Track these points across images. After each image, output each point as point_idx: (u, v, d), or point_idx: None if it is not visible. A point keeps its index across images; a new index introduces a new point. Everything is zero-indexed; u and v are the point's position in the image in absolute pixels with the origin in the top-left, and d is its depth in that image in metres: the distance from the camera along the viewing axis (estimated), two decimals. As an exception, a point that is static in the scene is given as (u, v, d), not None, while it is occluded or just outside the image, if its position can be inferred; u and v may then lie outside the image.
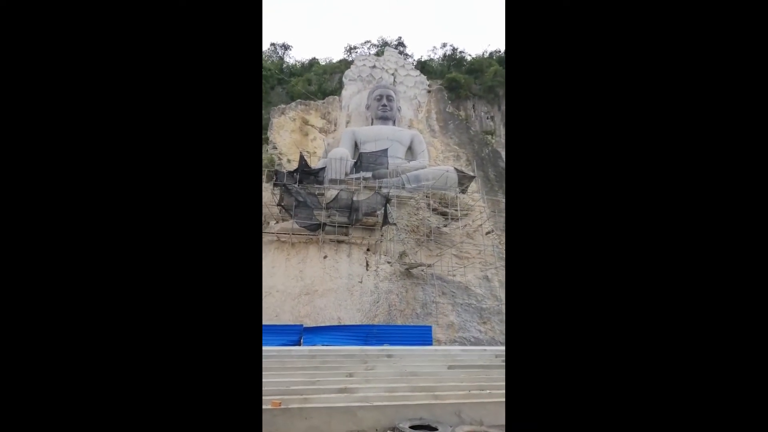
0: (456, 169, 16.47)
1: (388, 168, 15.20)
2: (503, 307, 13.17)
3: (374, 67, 22.99)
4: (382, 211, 13.20)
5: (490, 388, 6.08)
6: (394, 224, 13.39)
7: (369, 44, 34.45)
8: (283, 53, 35.60)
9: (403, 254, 13.76)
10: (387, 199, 13.32)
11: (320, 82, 27.00)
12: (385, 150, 15.58)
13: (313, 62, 32.44)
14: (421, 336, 9.68)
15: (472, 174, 16.77)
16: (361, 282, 12.32)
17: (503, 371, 7.03)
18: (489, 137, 26.32)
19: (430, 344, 9.69)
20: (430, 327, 10.42)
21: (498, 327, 12.54)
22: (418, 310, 12.29)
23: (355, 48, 34.29)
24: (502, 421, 5.24)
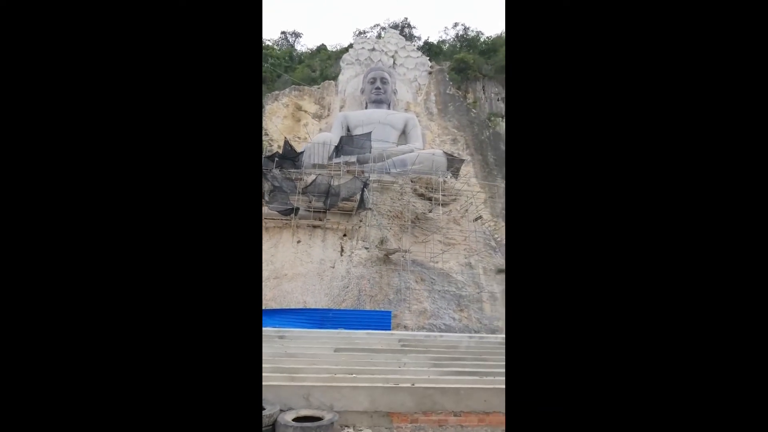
0: (445, 153, 15.92)
1: (370, 152, 14.90)
2: (484, 294, 12.73)
3: (373, 49, 22.49)
4: (359, 196, 12.99)
5: (366, 372, 5.88)
6: (369, 209, 13.16)
7: (378, 27, 33.83)
8: (294, 41, 35.63)
9: (383, 240, 13.55)
10: (365, 184, 13.08)
11: (323, 67, 26.80)
12: (368, 134, 15.26)
13: (321, 48, 32.26)
14: (380, 321, 9.53)
15: (462, 158, 16.15)
16: (333, 267, 12.25)
17: (399, 355, 6.96)
18: (496, 119, 25.26)
19: (389, 329, 9.53)
20: (389, 312, 10.23)
21: (475, 315, 12.16)
22: (391, 296, 12.10)
23: (364, 32, 33.79)
24: (356, 406, 5.04)
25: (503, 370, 6.34)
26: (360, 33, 34.03)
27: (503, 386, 5.27)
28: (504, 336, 8.99)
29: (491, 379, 5.85)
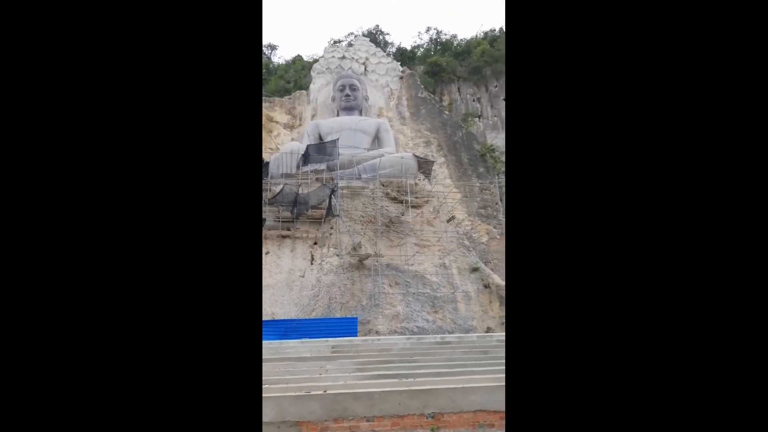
0: (415, 155, 15.94)
1: (338, 159, 14.86)
2: (458, 294, 12.65)
3: (343, 57, 22.59)
4: (327, 203, 12.90)
5: (280, 382, 5.77)
6: (338, 216, 13.07)
7: (352, 36, 34.01)
8: (270, 53, 35.69)
9: (357, 246, 13.44)
10: (332, 191, 13.01)
11: (298, 78, 26.85)
12: (335, 141, 15.24)
13: (296, 59, 32.35)
14: (346, 328, 9.38)
15: (431, 159, 16.17)
16: (303, 276, 12.10)
17: (324, 362, 6.80)
18: (473, 119, 25.44)
19: (356, 335, 9.39)
20: (356, 318, 10.10)
21: (449, 315, 12.07)
22: (364, 302, 11.97)
23: (339, 41, 33.97)
24: (262, 417, 4.89)
25: (433, 371, 6.25)
26: (335, 42, 34.27)
27: (423, 387, 5.22)
28: (435, 337, 8.97)
29: (412, 380, 5.73)
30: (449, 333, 11.11)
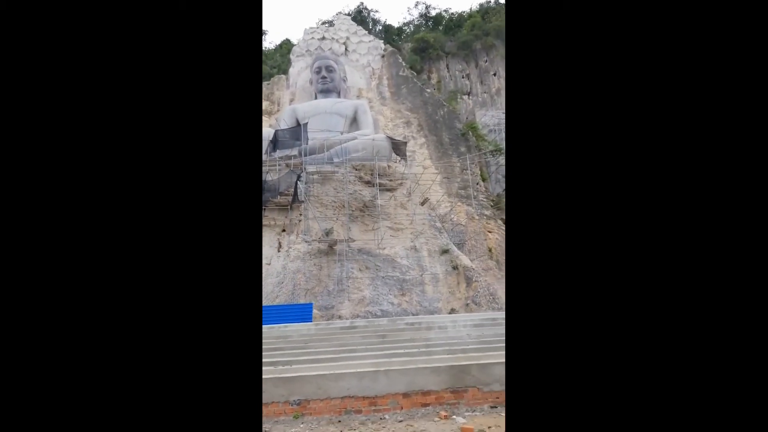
0: (388, 137, 15.66)
1: (307, 143, 14.71)
2: (426, 276, 12.61)
3: (323, 38, 22.07)
4: (293, 189, 12.86)
5: None
6: (302, 201, 13.03)
7: (340, 15, 33.05)
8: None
9: (329, 231, 13.44)
10: (298, 176, 12.94)
11: (282, 63, 26.41)
12: (305, 125, 15.05)
13: (284, 43, 31.76)
14: (301, 314, 9.48)
15: (403, 140, 15.87)
16: (269, 264, 12.19)
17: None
18: (464, 97, 24.74)
19: (310, 321, 9.49)
20: (310, 304, 10.17)
21: (416, 298, 12.07)
22: (330, 287, 12.05)
23: (328, 22, 33.10)
24: None
25: (314, 357, 6.23)
26: (323, 23, 33.46)
27: (291, 374, 5.19)
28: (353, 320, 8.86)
29: (286, 368, 5.71)
30: (413, 315, 11.13)
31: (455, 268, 12.60)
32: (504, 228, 16.96)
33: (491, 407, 4.99)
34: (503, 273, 14.92)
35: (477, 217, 16.40)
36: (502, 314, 10.15)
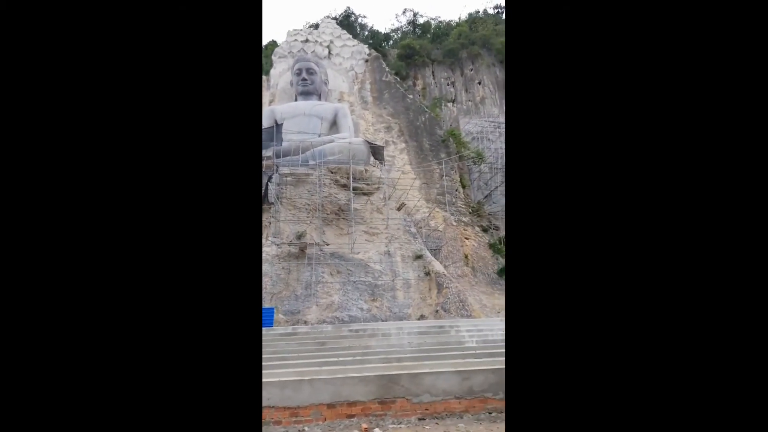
0: (366, 141, 15.51)
1: (281, 145, 14.46)
2: (398, 281, 12.39)
3: (306, 41, 21.95)
4: (263, 190, 12.55)
5: None
6: (272, 203, 12.73)
7: (328, 19, 33.07)
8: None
9: (301, 234, 13.13)
10: (269, 177, 12.65)
11: (266, 64, 26.20)
12: (279, 126, 14.80)
13: (270, 44, 31.60)
14: (263, 318, 9.14)
15: (380, 144, 15.74)
16: (235, 266, 11.82)
17: None
18: (448, 104, 24.83)
19: (271, 326, 9.16)
20: (272, 309, 9.85)
21: (387, 304, 11.82)
22: (298, 292, 11.72)
23: (315, 25, 33.06)
24: None
25: None
26: (311, 26, 33.41)
27: None
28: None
29: None
30: (383, 321, 10.88)
31: (427, 274, 12.40)
32: (480, 235, 16.88)
33: (419, 419, 4.78)
34: (478, 279, 14.79)
35: (455, 224, 16.28)
36: (449, 322, 9.96)
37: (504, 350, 7.15)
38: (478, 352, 6.99)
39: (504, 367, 5.71)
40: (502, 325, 9.75)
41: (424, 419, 4.71)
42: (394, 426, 4.48)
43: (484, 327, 9.20)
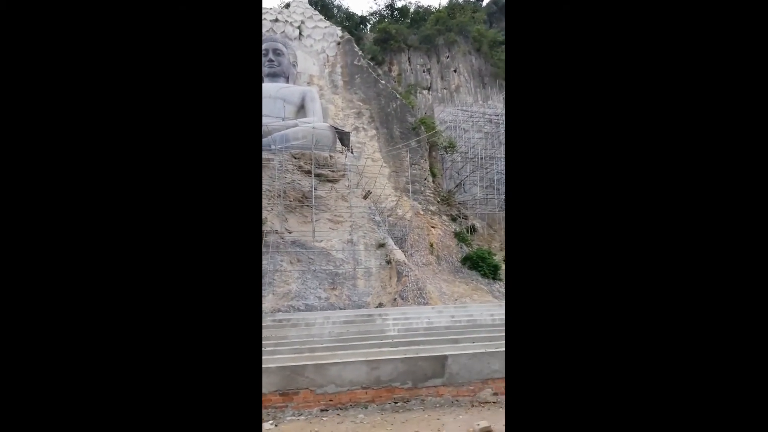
0: (332, 126, 15.12)
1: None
2: (359, 270, 12.25)
3: (276, 20, 21.11)
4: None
5: None
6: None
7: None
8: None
9: (262, 221, 12.75)
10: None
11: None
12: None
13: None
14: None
15: (346, 130, 15.39)
16: (189, 253, 11.41)
17: None
18: (423, 91, 24.53)
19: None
20: None
21: (346, 292, 11.68)
22: (255, 280, 11.41)
23: (287, 4, 31.89)
24: None
25: None
26: (284, 5, 32.25)
27: None
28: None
29: None
30: (341, 309, 10.75)
31: (389, 262, 12.30)
32: (447, 224, 16.87)
33: (321, 410, 4.66)
34: (441, 268, 14.81)
35: (422, 213, 16.20)
36: (379, 311, 9.87)
37: (423, 338, 7.14)
38: (395, 341, 6.93)
39: (416, 355, 5.68)
40: (433, 313, 9.73)
41: (326, 410, 4.59)
42: (292, 418, 4.33)
43: (411, 315, 9.15)
